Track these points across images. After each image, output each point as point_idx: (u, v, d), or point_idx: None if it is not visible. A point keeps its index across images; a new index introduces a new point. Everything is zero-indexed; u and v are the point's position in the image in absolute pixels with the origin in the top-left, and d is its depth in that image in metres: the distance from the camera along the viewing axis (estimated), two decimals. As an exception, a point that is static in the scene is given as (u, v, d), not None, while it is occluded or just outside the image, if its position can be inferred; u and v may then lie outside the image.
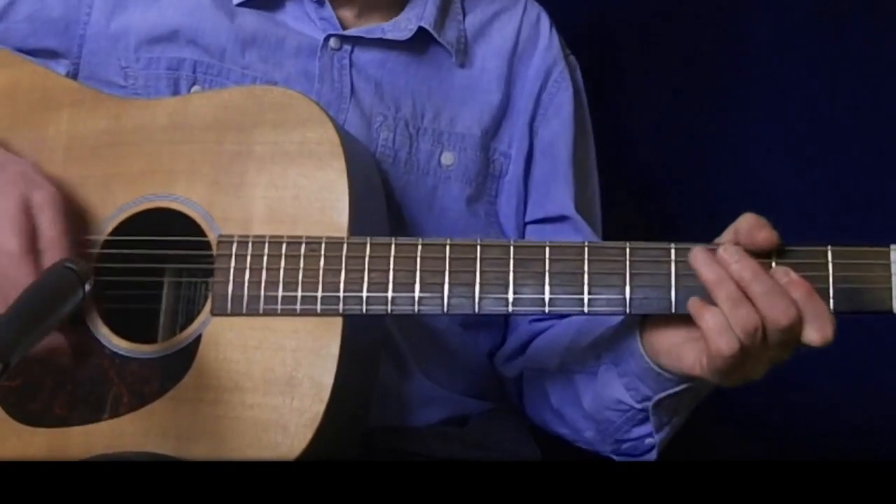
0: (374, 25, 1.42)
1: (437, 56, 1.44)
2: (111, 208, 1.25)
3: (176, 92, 1.39)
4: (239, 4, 1.41)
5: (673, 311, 1.11)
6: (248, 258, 1.19)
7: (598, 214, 1.52)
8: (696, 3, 1.95)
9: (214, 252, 1.21)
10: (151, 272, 1.25)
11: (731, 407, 1.84)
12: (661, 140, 1.96)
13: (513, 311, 1.14)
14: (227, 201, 1.22)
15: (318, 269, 1.17)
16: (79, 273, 1.10)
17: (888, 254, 1.09)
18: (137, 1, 1.41)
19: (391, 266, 1.16)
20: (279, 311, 1.18)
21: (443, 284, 1.15)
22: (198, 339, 1.19)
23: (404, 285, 1.16)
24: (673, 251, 1.12)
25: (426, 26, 1.42)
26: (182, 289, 1.31)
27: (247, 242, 1.20)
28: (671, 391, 1.20)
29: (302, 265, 1.18)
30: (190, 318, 1.23)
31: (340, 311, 1.16)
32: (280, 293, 1.18)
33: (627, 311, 1.12)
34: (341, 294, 1.16)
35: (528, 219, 1.46)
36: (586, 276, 1.13)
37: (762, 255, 1.10)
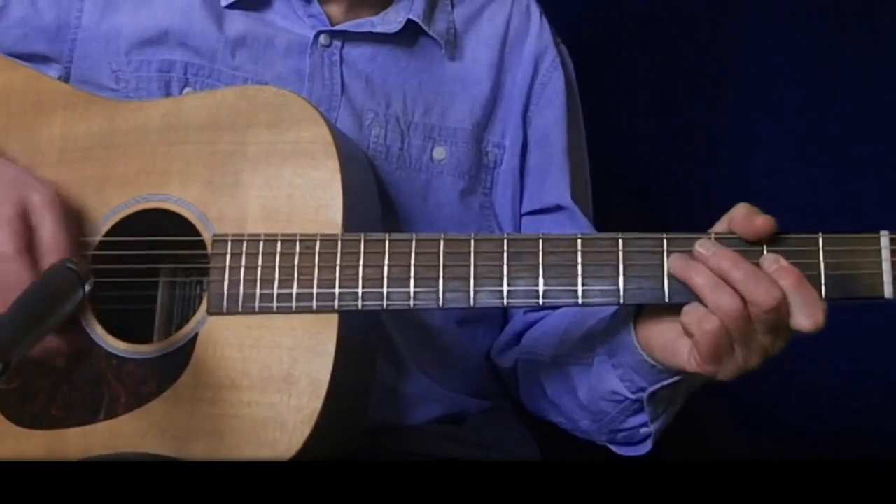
0: (362, 20, 1.43)
1: (428, 49, 1.45)
2: (106, 210, 1.26)
3: (167, 94, 1.39)
4: (228, 6, 1.41)
5: (667, 300, 1.12)
6: (243, 257, 1.20)
7: (590, 202, 1.53)
8: (695, 1, 1.96)
9: (209, 251, 1.21)
10: (147, 272, 1.26)
11: (732, 407, 1.85)
12: (659, 138, 1.96)
13: (508, 303, 1.15)
14: (221, 201, 1.23)
15: (313, 267, 1.18)
16: (79, 273, 1.10)
17: (878, 240, 1.10)
18: (127, 3, 1.42)
19: (386, 262, 1.17)
20: (275, 309, 1.18)
21: (437, 279, 1.16)
22: (194, 339, 1.19)
23: (399, 280, 1.16)
24: (665, 242, 1.13)
25: (415, 19, 1.42)
26: (178, 289, 1.31)
27: (242, 241, 1.20)
28: (665, 382, 1.20)
29: (297, 262, 1.18)
30: (186, 318, 1.24)
31: (336, 307, 1.17)
32: (276, 291, 1.18)
33: (621, 301, 1.13)
34: (337, 290, 1.17)
35: (524, 210, 1.47)
36: (580, 268, 1.13)
37: (756, 243, 1.11)
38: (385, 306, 1.17)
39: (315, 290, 1.17)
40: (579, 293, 1.13)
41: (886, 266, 1.09)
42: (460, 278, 1.15)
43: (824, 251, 1.10)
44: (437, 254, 1.16)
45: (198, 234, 1.23)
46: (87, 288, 1.11)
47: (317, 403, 1.15)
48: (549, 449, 1.47)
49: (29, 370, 1.21)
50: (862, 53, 1.86)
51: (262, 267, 1.19)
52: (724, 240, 1.12)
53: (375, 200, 1.33)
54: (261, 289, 1.18)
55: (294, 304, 1.18)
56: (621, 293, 1.12)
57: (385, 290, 1.16)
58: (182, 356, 1.19)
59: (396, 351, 1.38)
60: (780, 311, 1.07)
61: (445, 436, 1.39)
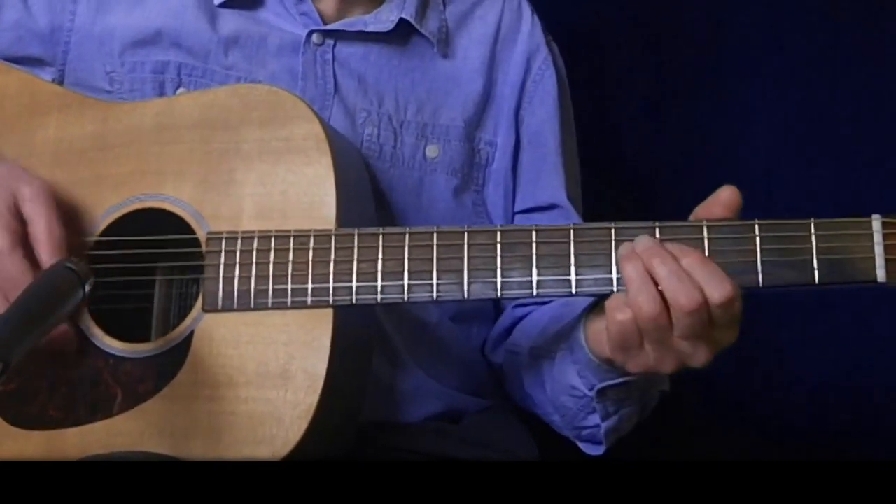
0: (355, 18, 1.43)
1: (420, 47, 1.45)
2: (101, 210, 1.26)
3: (161, 95, 1.40)
4: (220, 5, 1.42)
5: (659, 287, 1.12)
6: (238, 254, 1.20)
7: (580, 199, 1.52)
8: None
9: (204, 249, 1.22)
10: (142, 272, 1.26)
11: (731, 407, 1.84)
12: (654, 136, 1.95)
13: (502, 294, 1.15)
14: (216, 199, 1.23)
15: (308, 262, 1.18)
16: (79, 273, 1.11)
17: (870, 223, 1.10)
18: (121, 3, 1.42)
19: (380, 256, 1.17)
20: (270, 305, 1.18)
21: (431, 272, 1.16)
22: (190, 336, 1.20)
23: (393, 274, 1.17)
24: (657, 230, 1.13)
25: (407, 17, 1.42)
26: (173, 287, 1.31)
27: (236, 238, 1.21)
28: (611, 382, 1.21)
29: (291, 258, 1.19)
30: (182, 316, 1.24)
31: (330, 302, 1.17)
32: (270, 287, 1.19)
33: (615, 289, 1.13)
34: (331, 285, 1.17)
35: (517, 208, 1.47)
36: (573, 258, 1.14)
37: (749, 230, 1.11)
38: (379, 300, 1.17)
39: (310, 286, 1.18)
40: (573, 283, 1.14)
41: (879, 250, 1.09)
42: (454, 271, 1.16)
43: (816, 236, 1.10)
44: (431, 247, 1.17)
45: (193, 232, 1.23)
46: (87, 288, 1.12)
47: (313, 398, 1.15)
48: (548, 449, 1.46)
49: (27, 372, 1.22)
50: (862, 51, 1.86)
51: (257, 263, 1.20)
52: (714, 227, 1.12)
53: (369, 196, 1.33)
54: (256, 285, 1.19)
55: (289, 299, 1.18)
56: (615, 281, 1.13)
57: (379, 283, 1.17)
58: (178, 354, 1.20)
59: (392, 347, 1.38)
60: (701, 315, 1.07)
61: (443, 433, 1.39)
